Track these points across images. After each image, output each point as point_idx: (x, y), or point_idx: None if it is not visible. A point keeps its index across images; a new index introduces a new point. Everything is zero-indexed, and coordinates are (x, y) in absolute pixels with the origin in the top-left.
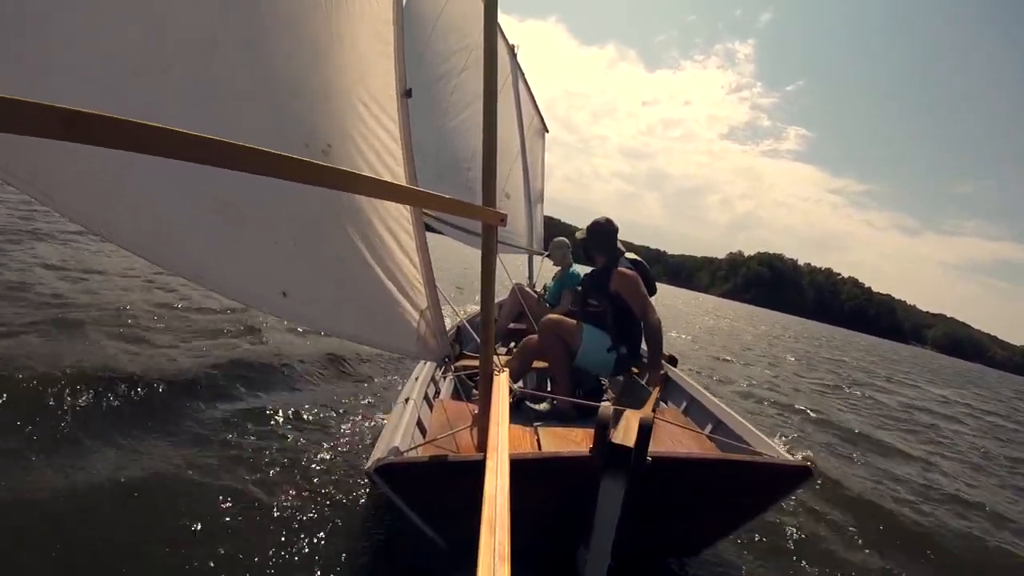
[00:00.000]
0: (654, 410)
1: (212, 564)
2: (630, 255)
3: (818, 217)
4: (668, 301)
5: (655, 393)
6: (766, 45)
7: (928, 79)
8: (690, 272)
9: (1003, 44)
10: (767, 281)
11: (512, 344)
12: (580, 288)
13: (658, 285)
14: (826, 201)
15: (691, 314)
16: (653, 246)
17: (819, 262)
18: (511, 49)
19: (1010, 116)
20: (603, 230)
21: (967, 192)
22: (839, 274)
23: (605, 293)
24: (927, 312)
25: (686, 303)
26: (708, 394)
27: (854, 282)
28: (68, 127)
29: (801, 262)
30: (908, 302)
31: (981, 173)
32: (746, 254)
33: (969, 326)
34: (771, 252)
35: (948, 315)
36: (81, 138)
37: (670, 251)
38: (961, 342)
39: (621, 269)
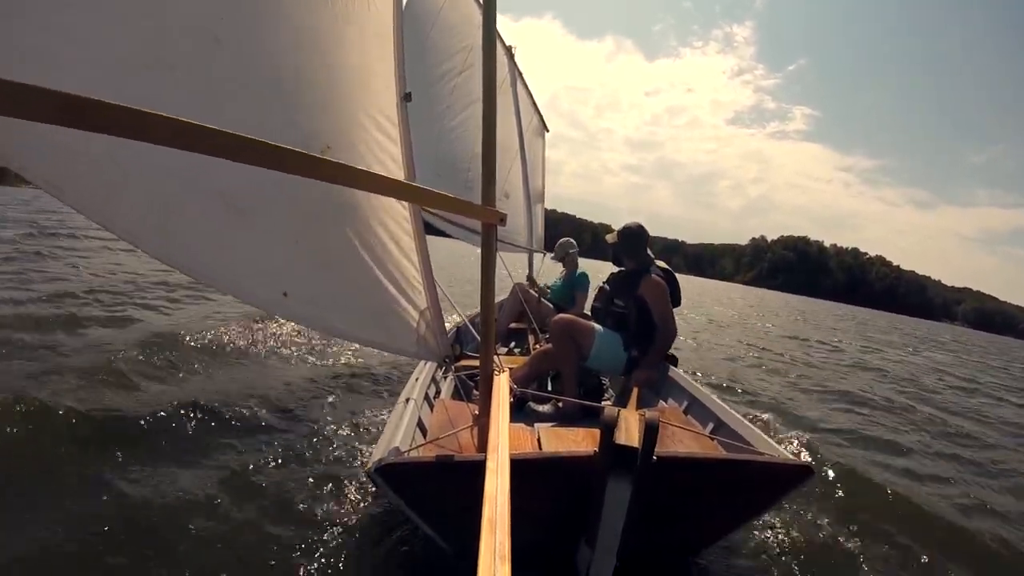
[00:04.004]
0: (643, 408)
1: (211, 565)
2: (660, 263)
3: (831, 196)
4: (696, 294)
5: (635, 392)
6: (765, 26)
7: (932, 47)
8: (711, 260)
9: (1010, 15)
10: (794, 265)
11: (512, 344)
12: (607, 286)
13: (680, 277)
14: (837, 180)
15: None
16: (670, 236)
17: (836, 241)
18: (508, 50)
19: (1018, 79)
20: (635, 235)
21: (980, 161)
22: (866, 253)
23: (632, 296)
24: (952, 287)
25: (717, 297)
26: (709, 394)
27: (882, 260)
28: (67, 113)
29: (826, 243)
30: (932, 277)
31: (993, 140)
32: (765, 238)
33: (996, 298)
34: (796, 235)
35: (973, 289)
36: (80, 124)
37: (687, 240)
38: (991, 316)
39: (653, 276)
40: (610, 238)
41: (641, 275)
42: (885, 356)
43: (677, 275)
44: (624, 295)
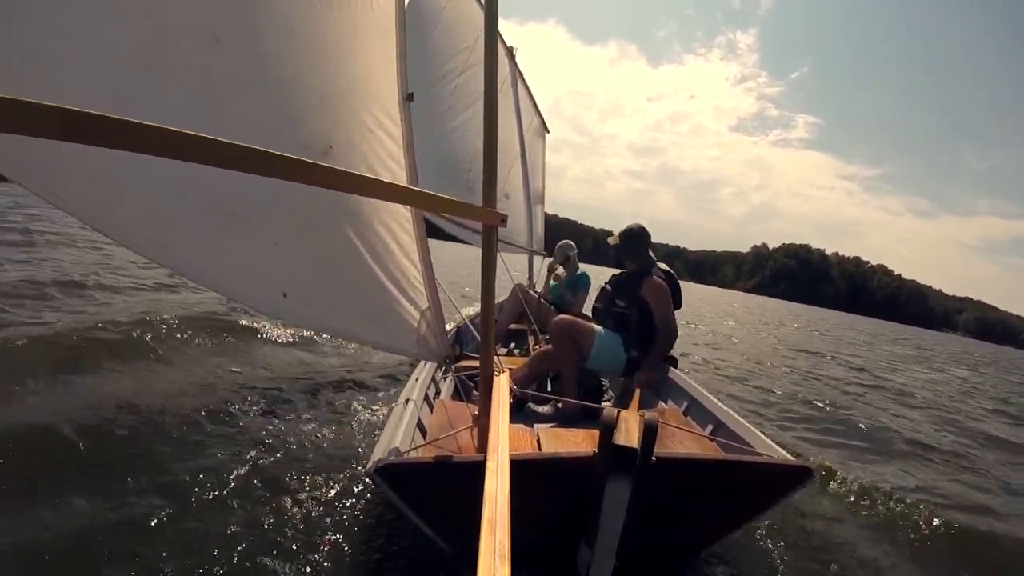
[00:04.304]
0: (643, 410)
1: (210, 565)
2: (662, 265)
3: (832, 204)
4: (696, 299)
5: (637, 393)
6: (768, 33)
7: (935, 57)
8: (712, 267)
9: (1010, 15)
10: (796, 274)
11: (512, 345)
12: (609, 287)
13: (681, 283)
14: (839, 188)
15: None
16: (672, 243)
17: (838, 250)
18: (509, 51)
19: (1019, 90)
20: (636, 236)
21: (981, 170)
22: (868, 262)
23: (633, 297)
24: (953, 296)
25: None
26: (708, 395)
27: (884, 270)
28: (67, 127)
29: (828, 252)
30: (933, 287)
31: (994, 150)
32: (767, 246)
33: (996, 308)
34: (797, 243)
35: (973, 298)
36: (80, 138)
37: (688, 246)
38: (992, 325)
39: (655, 278)
40: (612, 240)
41: (643, 276)
42: (915, 375)
43: (680, 282)
44: (626, 296)
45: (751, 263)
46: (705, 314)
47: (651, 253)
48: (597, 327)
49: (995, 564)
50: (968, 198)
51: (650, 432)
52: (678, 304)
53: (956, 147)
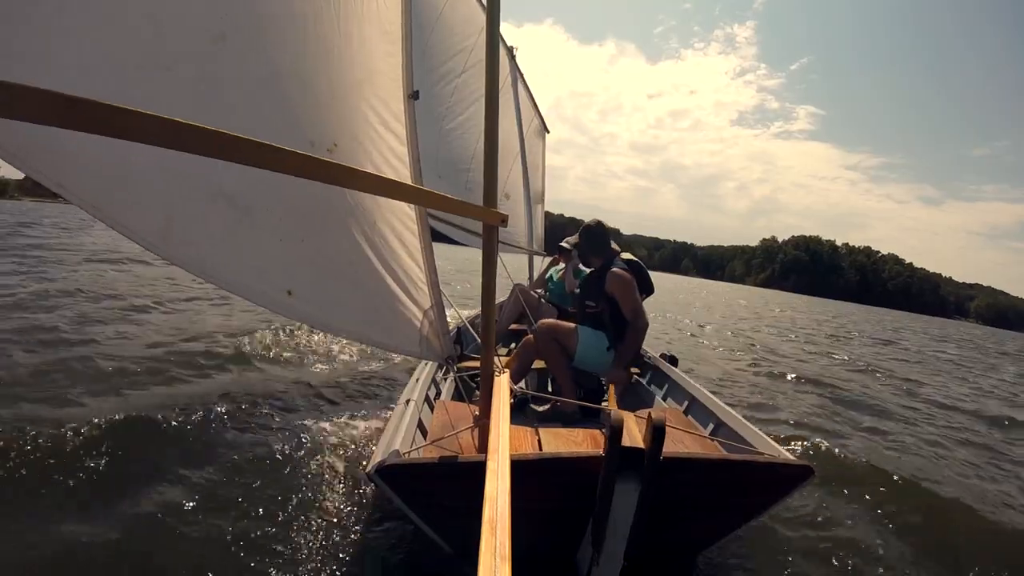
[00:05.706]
0: (643, 409)
1: (211, 566)
2: (625, 255)
3: (837, 195)
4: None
5: (611, 390)
6: (766, 25)
7: (935, 42)
8: (721, 262)
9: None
10: (807, 266)
11: (513, 345)
12: (579, 290)
13: (690, 280)
14: (843, 178)
15: None
16: (680, 239)
17: (844, 240)
18: (510, 51)
19: (1021, 74)
20: (595, 232)
21: (984, 155)
22: (879, 252)
23: (601, 294)
24: (962, 283)
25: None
26: (709, 394)
27: (895, 259)
28: (69, 114)
29: (838, 243)
30: (942, 275)
31: (997, 134)
32: (776, 239)
33: (1007, 294)
34: (807, 235)
35: (984, 284)
36: (82, 125)
37: (694, 242)
38: (1005, 311)
39: (615, 270)
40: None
41: (606, 271)
42: None
43: (687, 278)
44: (594, 295)
45: (761, 257)
46: (722, 324)
47: (614, 245)
48: (581, 326)
49: None
50: (974, 184)
51: (658, 433)
52: (648, 291)
53: (961, 134)
